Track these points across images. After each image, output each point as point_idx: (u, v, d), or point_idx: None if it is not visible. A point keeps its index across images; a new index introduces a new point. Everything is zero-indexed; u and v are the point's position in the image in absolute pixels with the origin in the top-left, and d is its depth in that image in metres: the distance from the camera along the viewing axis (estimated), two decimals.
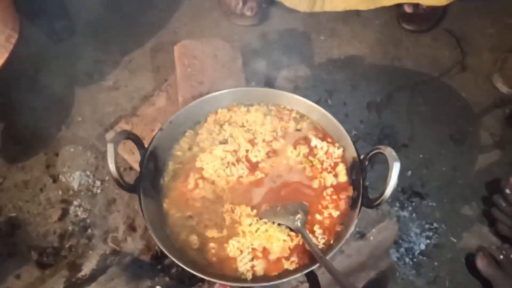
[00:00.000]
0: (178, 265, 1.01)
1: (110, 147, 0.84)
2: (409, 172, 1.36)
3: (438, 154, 1.40)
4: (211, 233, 0.91)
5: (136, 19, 1.68)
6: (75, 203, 1.28)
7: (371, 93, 1.51)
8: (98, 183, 1.31)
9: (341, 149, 0.97)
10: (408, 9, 1.62)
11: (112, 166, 0.84)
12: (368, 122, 1.45)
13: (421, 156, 1.39)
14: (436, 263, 1.22)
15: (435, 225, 1.27)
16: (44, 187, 1.31)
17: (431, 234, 1.26)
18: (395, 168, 0.80)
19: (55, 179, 1.32)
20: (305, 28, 1.64)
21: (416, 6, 1.61)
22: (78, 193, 1.29)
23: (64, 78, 1.52)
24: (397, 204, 1.29)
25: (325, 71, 1.55)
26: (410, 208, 1.29)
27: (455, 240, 1.26)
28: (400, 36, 1.65)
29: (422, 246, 1.23)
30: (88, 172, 1.33)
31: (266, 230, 0.90)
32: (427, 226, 1.27)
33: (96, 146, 1.37)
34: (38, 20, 1.59)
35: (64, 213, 1.26)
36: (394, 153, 0.82)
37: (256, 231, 0.90)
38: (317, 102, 1.01)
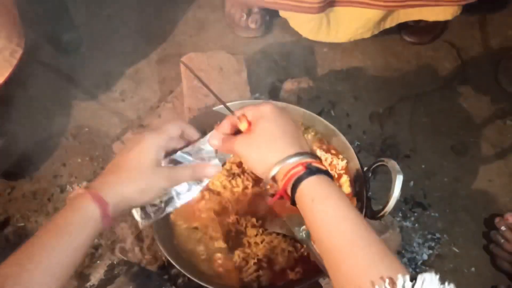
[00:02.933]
0: (185, 275, 1.02)
1: None
2: (411, 183, 1.37)
3: (440, 165, 1.42)
4: (217, 244, 0.93)
5: (141, 31, 1.71)
6: None
7: (373, 104, 1.53)
8: None
9: (344, 161, 0.99)
10: (410, 22, 1.65)
11: None
12: (371, 133, 1.47)
13: (423, 166, 1.41)
14: (438, 273, 1.23)
15: (437, 235, 1.29)
16: (52, 197, 1.33)
17: (433, 244, 1.27)
18: (398, 181, 0.81)
19: (62, 189, 1.34)
20: (308, 40, 1.66)
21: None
22: None
23: (71, 90, 1.55)
24: (400, 214, 1.31)
25: (328, 82, 1.58)
26: (412, 219, 1.31)
27: (457, 251, 1.27)
28: (402, 48, 1.67)
29: (425, 256, 1.25)
30: None
31: (271, 241, 0.91)
32: (429, 236, 1.28)
33: (103, 157, 1.40)
34: (46, 32, 1.62)
35: None
36: (397, 166, 0.83)
37: (261, 242, 0.92)
38: (320, 113, 1.03)
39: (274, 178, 0.64)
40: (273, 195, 0.68)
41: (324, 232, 0.58)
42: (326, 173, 0.62)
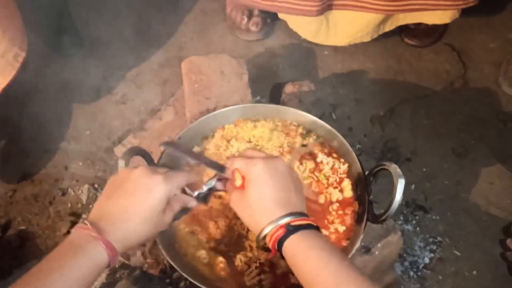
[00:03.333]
0: (186, 279, 1.02)
1: (121, 163, 0.86)
2: (413, 186, 1.37)
3: (441, 168, 1.42)
4: (219, 247, 0.93)
5: (143, 34, 1.71)
6: (84, 216, 1.30)
7: (374, 107, 1.53)
8: None
9: (346, 165, 0.99)
10: (411, 25, 1.65)
11: None
12: (372, 136, 1.47)
13: (424, 170, 1.41)
14: (440, 277, 1.23)
15: (439, 238, 1.29)
16: (53, 200, 1.33)
17: (435, 247, 1.27)
18: (400, 185, 0.81)
19: (64, 192, 1.34)
20: (309, 43, 1.67)
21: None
22: (86, 206, 1.31)
23: (72, 93, 1.55)
24: (401, 218, 1.31)
25: (329, 85, 1.58)
26: (414, 222, 1.31)
27: (459, 254, 1.27)
28: (403, 51, 1.68)
29: (426, 260, 1.25)
30: (96, 185, 1.35)
31: None
32: (431, 239, 1.28)
33: (104, 160, 1.40)
34: (47, 35, 1.62)
35: (73, 225, 1.26)
36: (398, 170, 0.83)
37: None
38: (321, 116, 1.03)
39: (264, 239, 0.69)
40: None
41: (308, 282, 0.64)
42: (307, 227, 0.67)
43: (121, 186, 0.69)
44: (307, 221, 0.67)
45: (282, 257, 0.68)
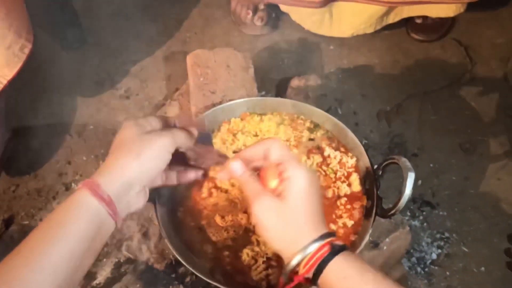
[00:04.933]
0: (192, 274, 1.01)
1: None
2: (420, 182, 1.36)
3: (448, 163, 1.40)
4: (225, 242, 0.92)
5: (147, 28, 1.70)
6: None
7: (381, 102, 1.52)
8: None
9: (354, 159, 0.98)
10: (417, 20, 1.64)
11: None
12: (378, 131, 1.46)
13: (431, 165, 1.40)
14: (447, 273, 1.22)
15: (446, 234, 1.27)
16: (57, 195, 1.33)
17: (442, 243, 1.26)
18: (410, 178, 0.80)
19: (67, 187, 1.33)
20: (314, 37, 1.66)
21: (425, 16, 1.62)
22: None
23: (76, 87, 1.54)
24: (408, 214, 1.29)
25: (335, 80, 1.56)
26: (421, 218, 1.29)
27: (466, 250, 1.26)
28: (410, 46, 1.66)
29: (434, 256, 1.23)
30: None
31: None
32: (438, 235, 1.27)
33: (108, 154, 1.38)
34: (50, 29, 1.61)
35: None
36: (408, 163, 0.82)
37: None
38: (327, 111, 1.02)
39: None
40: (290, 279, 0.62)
41: None
42: (346, 247, 0.60)
43: (117, 148, 0.62)
44: (342, 242, 0.60)
45: (313, 283, 0.60)
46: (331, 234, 0.60)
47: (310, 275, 0.59)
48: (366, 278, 0.56)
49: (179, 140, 0.65)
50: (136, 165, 0.60)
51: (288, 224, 0.59)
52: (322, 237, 0.59)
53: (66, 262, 0.54)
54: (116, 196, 0.59)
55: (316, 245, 0.58)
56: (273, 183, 0.62)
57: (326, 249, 0.58)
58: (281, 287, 0.63)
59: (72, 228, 0.56)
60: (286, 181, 0.60)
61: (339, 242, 0.60)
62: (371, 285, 0.56)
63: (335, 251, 0.58)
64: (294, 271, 0.61)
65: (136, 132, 0.62)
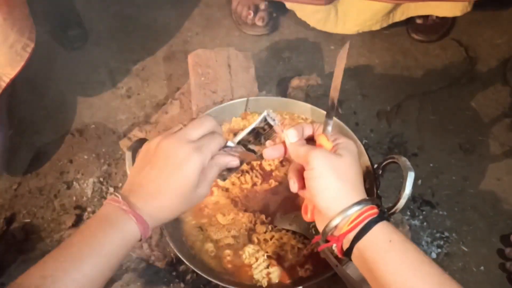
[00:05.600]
0: (193, 272, 1.02)
1: (128, 155, 0.85)
2: (419, 181, 1.36)
3: (448, 163, 1.41)
4: (226, 240, 0.92)
5: (148, 28, 1.71)
6: (89, 209, 1.29)
7: (381, 102, 1.52)
8: (111, 189, 1.32)
9: None
10: (417, 20, 1.64)
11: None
12: (378, 131, 1.46)
13: (431, 165, 1.40)
14: (447, 272, 1.22)
15: (446, 234, 1.28)
16: (58, 194, 1.33)
17: (442, 243, 1.26)
18: (410, 178, 0.80)
19: (69, 186, 1.34)
20: (315, 37, 1.66)
21: (425, 17, 1.63)
22: (91, 199, 1.31)
23: (77, 86, 1.55)
24: (408, 213, 1.30)
25: None
26: (421, 217, 1.30)
27: (466, 249, 1.26)
28: (410, 46, 1.66)
29: (433, 255, 1.24)
30: (101, 179, 1.34)
31: (281, 238, 0.91)
32: (438, 235, 1.27)
33: (109, 153, 1.39)
34: (52, 28, 1.62)
35: (78, 219, 1.27)
36: (408, 163, 0.83)
37: (270, 239, 0.91)
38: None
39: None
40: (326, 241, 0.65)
41: (405, 274, 0.56)
42: (388, 219, 0.62)
43: (153, 158, 0.64)
44: (378, 208, 0.63)
45: (346, 252, 0.62)
46: (373, 200, 0.62)
47: (351, 236, 0.60)
48: (410, 246, 0.58)
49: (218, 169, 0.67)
50: (177, 213, 0.65)
51: (339, 178, 0.61)
52: (366, 201, 0.61)
53: (94, 279, 0.57)
54: (152, 229, 0.64)
55: (360, 207, 0.60)
56: (328, 145, 0.66)
57: (372, 211, 0.60)
58: (315, 245, 0.67)
59: (112, 247, 0.59)
60: (341, 144, 0.65)
61: (376, 209, 0.62)
62: (414, 252, 0.57)
63: (381, 216, 0.60)
64: (332, 233, 0.63)
65: (194, 187, 0.63)
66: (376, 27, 1.53)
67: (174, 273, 1.03)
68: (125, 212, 0.60)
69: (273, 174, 0.99)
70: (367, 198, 0.62)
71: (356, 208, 0.60)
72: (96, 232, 0.59)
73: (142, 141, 0.90)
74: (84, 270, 0.56)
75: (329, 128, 0.69)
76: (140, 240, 0.62)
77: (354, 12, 1.48)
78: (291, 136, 0.68)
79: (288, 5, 1.56)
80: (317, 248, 0.67)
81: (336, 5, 1.46)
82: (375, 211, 0.61)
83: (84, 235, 0.59)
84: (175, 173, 0.62)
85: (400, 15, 1.53)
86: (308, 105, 1.07)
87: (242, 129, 0.78)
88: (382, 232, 0.59)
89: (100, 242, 0.58)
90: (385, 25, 1.54)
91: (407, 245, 0.58)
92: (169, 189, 0.62)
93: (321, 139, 0.67)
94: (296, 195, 0.95)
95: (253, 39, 1.67)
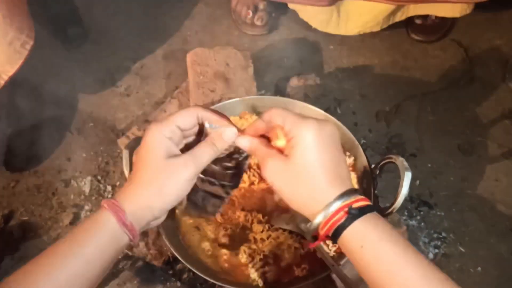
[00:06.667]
0: (190, 271, 1.02)
1: (125, 153, 0.85)
2: (418, 182, 1.36)
3: (446, 164, 1.41)
4: (223, 239, 0.92)
5: (147, 27, 1.71)
6: (87, 207, 1.29)
7: (380, 102, 1.52)
8: (109, 188, 1.32)
9: (352, 158, 0.98)
10: (417, 20, 1.64)
11: (127, 172, 0.85)
12: (377, 131, 1.46)
13: (429, 166, 1.40)
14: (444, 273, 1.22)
15: (443, 234, 1.28)
16: (56, 191, 1.33)
17: (439, 243, 1.26)
18: (407, 178, 0.80)
19: (67, 184, 1.34)
20: (314, 37, 1.66)
21: (425, 17, 1.63)
22: (89, 197, 1.31)
23: (76, 84, 1.55)
24: (406, 213, 1.30)
25: (334, 80, 1.57)
26: (418, 217, 1.30)
27: (463, 250, 1.26)
28: (409, 46, 1.66)
29: (431, 256, 1.24)
30: (99, 177, 1.34)
31: (278, 237, 0.91)
32: (435, 235, 1.27)
33: (107, 152, 1.39)
34: (51, 26, 1.62)
35: (76, 217, 1.27)
36: (405, 163, 0.82)
37: (267, 238, 0.91)
38: (326, 111, 1.02)
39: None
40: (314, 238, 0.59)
41: (382, 280, 0.52)
42: (369, 209, 0.55)
43: (142, 167, 0.60)
44: (366, 202, 0.55)
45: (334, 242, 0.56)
46: (352, 191, 0.55)
47: (330, 234, 0.56)
48: (385, 249, 0.52)
49: (203, 163, 0.62)
50: (158, 199, 0.60)
51: (299, 183, 0.55)
52: (342, 195, 0.54)
53: (81, 280, 0.55)
54: (138, 221, 0.59)
55: (334, 206, 0.54)
56: (279, 142, 0.59)
57: (342, 213, 0.54)
58: (313, 246, 0.61)
59: (96, 248, 0.56)
60: (293, 140, 0.56)
61: (361, 203, 0.54)
62: (392, 258, 0.52)
63: (353, 216, 0.53)
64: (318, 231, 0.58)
65: (159, 157, 0.59)
66: (377, 28, 1.53)
67: (170, 272, 1.03)
68: (100, 206, 0.59)
69: None
70: (340, 194, 0.55)
71: (328, 211, 0.55)
72: (74, 229, 0.58)
73: (139, 140, 0.90)
74: (62, 265, 0.55)
75: (277, 122, 0.59)
76: (131, 237, 0.59)
77: (356, 13, 1.48)
78: (242, 145, 0.63)
79: (291, 5, 1.56)
80: (308, 246, 0.63)
81: (339, 6, 1.46)
82: (342, 213, 0.54)
83: (72, 237, 0.58)
84: (139, 148, 0.61)
85: (400, 15, 1.53)
86: (307, 105, 1.06)
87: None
88: (352, 238, 0.54)
89: (74, 236, 0.57)
90: (385, 26, 1.54)
91: (381, 247, 0.53)
92: (135, 165, 0.61)
93: (272, 137, 0.61)
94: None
95: (252, 39, 1.67)
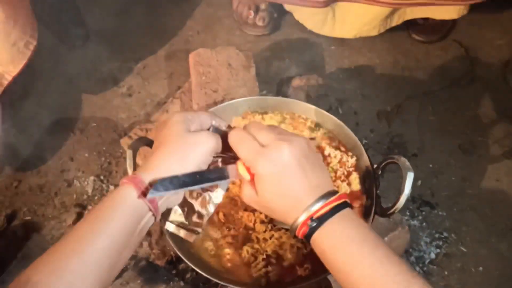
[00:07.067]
0: (192, 270, 1.02)
1: (129, 154, 0.85)
2: (419, 182, 1.37)
3: (447, 164, 1.41)
4: (226, 239, 0.93)
5: (149, 27, 1.72)
6: (89, 207, 1.30)
7: (381, 102, 1.53)
8: (112, 188, 1.33)
9: (354, 158, 0.99)
10: (418, 21, 1.64)
11: (130, 172, 0.85)
12: (378, 131, 1.47)
13: (430, 166, 1.41)
14: (446, 272, 1.23)
15: (445, 234, 1.28)
16: (59, 191, 1.34)
17: (441, 243, 1.27)
18: (409, 178, 0.81)
19: (69, 184, 1.35)
20: (316, 38, 1.66)
21: (426, 17, 1.63)
22: (92, 197, 1.31)
23: (79, 84, 1.55)
24: (407, 213, 1.30)
25: (336, 80, 1.57)
26: (420, 217, 1.30)
27: (465, 250, 1.26)
28: (410, 47, 1.67)
29: (432, 255, 1.24)
30: (102, 177, 1.35)
31: (280, 237, 0.91)
32: (437, 235, 1.28)
33: (110, 152, 1.40)
34: (54, 26, 1.62)
35: (79, 217, 1.28)
36: (407, 163, 0.83)
37: (270, 238, 0.91)
38: (328, 111, 1.03)
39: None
40: None
41: (342, 280, 0.59)
42: (334, 210, 0.61)
43: (165, 139, 0.64)
44: (332, 204, 0.61)
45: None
46: (323, 196, 0.62)
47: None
48: (340, 252, 0.59)
49: (220, 143, 0.67)
50: (179, 168, 0.62)
51: (268, 210, 0.65)
52: (305, 211, 0.61)
53: (109, 255, 0.57)
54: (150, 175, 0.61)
55: (300, 220, 0.62)
56: (245, 177, 0.65)
57: (304, 228, 0.61)
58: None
59: (116, 222, 0.58)
60: (255, 176, 0.63)
61: (322, 211, 0.61)
62: (346, 258, 0.58)
63: (313, 228, 0.61)
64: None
65: (182, 130, 0.64)
66: (374, 32, 1.54)
67: (173, 272, 1.04)
68: (124, 183, 0.60)
69: None
70: (304, 208, 0.62)
71: (294, 227, 0.63)
72: (95, 207, 0.60)
73: (142, 140, 0.91)
74: (98, 245, 0.57)
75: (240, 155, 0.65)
76: (151, 208, 0.60)
77: (352, 16, 1.48)
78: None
79: (287, 6, 1.57)
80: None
81: (334, 8, 1.47)
82: (303, 229, 0.62)
83: (93, 213, 0.60)
84: (161, 128, 0.66)
85: (397, 19, 1.54)
86: (310, 105, 1.07)
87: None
88: (315, 246, 0.62)
89: (97, 213, 0.59)
90: (382, 30, 1.54)
91: (338, 252, 0.60)
92: (157, 141, 0.65)
93: (239, 168, 0.67)
94: None
95: (254, 39, 1.67)
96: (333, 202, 0.62)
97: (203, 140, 0.64)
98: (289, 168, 0.62)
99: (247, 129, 0.67)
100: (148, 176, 0.60)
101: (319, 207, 0.61)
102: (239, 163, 0.66)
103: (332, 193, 0.63)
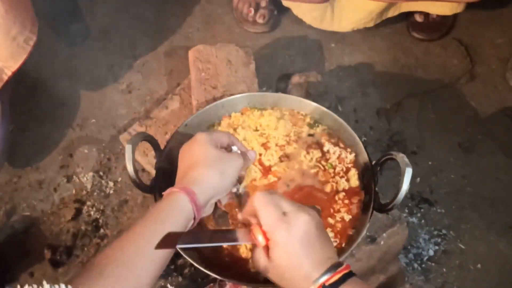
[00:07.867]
0: (191, 265, 1.02)
1: (128, 148, 0.86)
2: (418, 179, 1.37)
3: (447, 161, 1.41)
4: None
5: (149, 24, 1.71)
6: (88, 203, 1.30)
7: (381, 100, 1.53)
8: (111, 184, 1.33)
9: (353, 154, 0.99)
10: (418, 18, 1.65)
11: (130, 167, 0.86)
12: (378, 129, 1.47)
13: (430, 163, 1.41)
14: (444, 269, 1.23)
15: (443, 231, 1.28)
16: (58, 187, 1.34)
17: (439, 240, 1.27)
18: (407, 174, 0.81)
19: (69, 179, 1.35)
20: (316, 35, 1.66)
21: (426, 15, 1.63)
22: (91, 193, 1.31)
23: (78, 81, 1.55)
24: (406, 210, 1.30)
25: (336, 77, 1.57)
26: (419, 215, 1.30)
27: (463, 247, 1.27)
28: (410, 45, 1.67)
29: (431, 252, 1.24)
30: (101, 173, 1.35)
31: None
32: (435, 232, 1.28)
33: (109, 148, 1.40)
34: (54, 23, 1.62)
35: (77, 212, 1.28)
36: (406, 159, 0.83)
37: None
38: (327, 108, 1.03)
39: None
40: None
41: None
42: (345, 276, 0.64)
43: (202, 156, 0.77)
44: (342, 272, 0.65)
45: None
46: (330, 269, 0.65)
47: None
48: None
49: (244, 164, 0.82)
50: (219, 181, 0.76)
51: (281, 278, 0.68)
52: (315, 281, 0.64)
53: (164, 253, 0.66)
54: (203, 204, 0.73)
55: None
56: (260, 242, 0.68)
57: None
58: None
59: (172, 225, 0.68)
60: (270, 242, 0.67)
61: (336, 277, 0.64)
62: None
63: None
64: None
65: (214, 148, 0.78)
66: (370, 24, 1.54)
67: (172, 267, 1.04)
68: (174, 190, 0.72)
69: (272, 169, 0.99)
70: (313, 280, 0.64)
71: None
72: (153, 210, 0.70)
73: (142, 135, 0.91)
74: (150, 240, 0.65)
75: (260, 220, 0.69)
76: (196, 212, 0.71)
77: (350, 10, 1.49)
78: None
79: (285, 2, 1.57)
80: None
81: (333, 3, 1.47)
82: None
83: (146, 214, 0.70)
84: (191, 148, 0.80)
85: (392, 11, 1.55)
86: (309, 102, 1.07)
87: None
88: None
89: (156, 215, 0.69)
90: (378, 21, 1.55)
91: None
92: (196, 158, 0.77)
93: (255, 233, 0.69)
94: (295, 191, 0.96)
95: (254, 36, 1.67)
96: (343, 270, 0.65)
97: (236, 159, 0.80)
98: (306, 238, 0.66)
99: (270, 194, 0.71)
100: (197, 188, 0.72)
101: (330, 276, 0.64)
102: (255, 227, 0.69)
103: (340, 263, 0.67)
